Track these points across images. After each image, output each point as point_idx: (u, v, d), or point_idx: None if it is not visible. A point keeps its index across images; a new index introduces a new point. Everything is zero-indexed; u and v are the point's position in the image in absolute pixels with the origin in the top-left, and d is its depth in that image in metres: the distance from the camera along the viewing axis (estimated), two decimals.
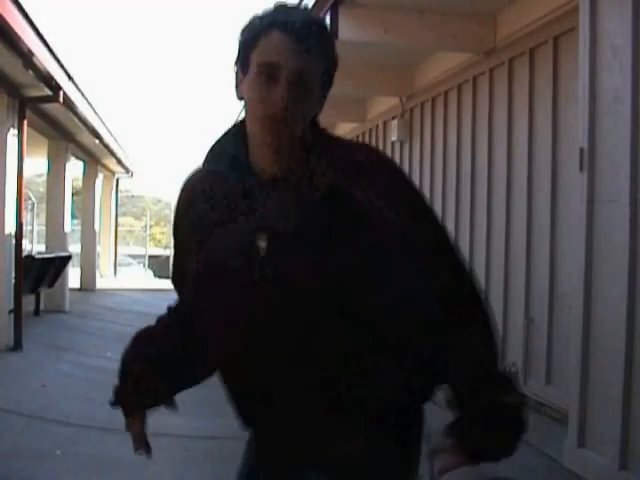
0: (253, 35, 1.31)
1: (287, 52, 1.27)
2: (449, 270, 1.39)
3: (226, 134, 1.42)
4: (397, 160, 8.70)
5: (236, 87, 1.37)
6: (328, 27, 1.37)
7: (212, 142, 1.42)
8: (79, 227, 15.28)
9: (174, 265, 1.57)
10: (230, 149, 1.37)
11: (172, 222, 1.53)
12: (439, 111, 7.48)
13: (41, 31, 6.18)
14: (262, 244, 1.28)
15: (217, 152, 1.40)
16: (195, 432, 4.89)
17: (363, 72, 7.92)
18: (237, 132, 1.39)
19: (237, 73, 1.37)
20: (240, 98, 1.36)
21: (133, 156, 16.42)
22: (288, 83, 1.27)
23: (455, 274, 1.39)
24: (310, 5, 6.02)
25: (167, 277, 26.94)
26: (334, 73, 1.39)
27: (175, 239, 1.52)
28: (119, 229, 20.95)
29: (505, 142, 6.00)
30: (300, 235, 1.28)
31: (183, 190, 1.47)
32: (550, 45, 5.30)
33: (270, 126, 1.28)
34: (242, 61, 1.34)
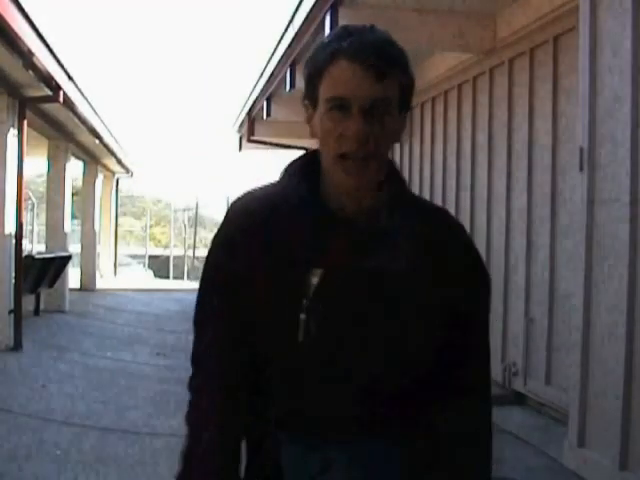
0: (318, 66, 1.20)
1: (357, 82, 1.15)
2: (485, 362, 1.34)
3: (297, 164, 1.31)
4: (397, 160, 8.71)
5: (308, 122, 1.27)
6: (398, 45, 1.23)
7: (285, 167, 1.31)
8: (79, 227, 15.28)
9: (211, 302, 1.35)
10: (301, 182, 1.26)
11: (220, 246, 1.32)
12: (439, 111, 7.48)
13: (41, 31, 6.18)
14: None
15: (286, 183, 1.28)
16: None
17: None
18: (309, 163, 1.28)
19: (307, 107, 1.27)
20: (313, 136, 1.25)
21: (133, 156, 16.42)
22: (362, 116, 1.16)
23: (486, 368, 1.35)
24: (310, 5, 6.03)
25: (167, 277, 26.91)
26: (412, 92, 1.27)
27: (222, 269, 1.31)
28: (119, 229, 20.94)
29: (505, 142, 6.00)
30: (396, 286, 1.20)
31: (240, 215, 1.30)
32: (550, 45, 5.30)
33: (347, 165, 1.18)
34: (310, 95, 1.24)
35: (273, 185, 1.31)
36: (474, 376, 1.31)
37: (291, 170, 1.29)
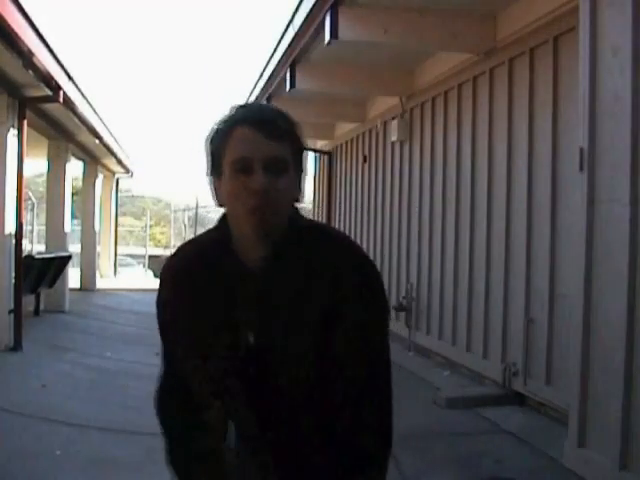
0: (220, 140, 1.36)
1: (255, 142, 1.32)
2: (384, 391, 1.46)
3: (210, 231, 1.50)
4: (397, 160, 8.71)
5: (215, 196, 1.42)
6: (284, 112, 1.40)
7: (197, 235, 1.57)
8: (79, 227, 15.27)
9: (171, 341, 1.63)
10: (214, 242, 1.45)
11: (158, 302, 1.56)
12: (439, 111, 7.48)
13: (41, 31, 6.18)
14: (250, 339, 1.40)
15: (202, 242, 1.51)
16: None
17: (363, 72, 7.92)
18: (219, 227, 1.45)
19: (213, 182, 1.41)
20: (220, 205, 1.41)
21: (133, 156, 16.43)
22: (263, 169, 1.32)
23: (386, 401, 1.46)
24: (310, 5, 6.03)
25: None
26: (303, 156, 1.43)
27: (165, 316, 1.57)
28: (119, 229, 20.94)
29: (505, 142, 6.00)
30: (286, 328, 1.39)
31: (170, 269, 1.53)
32: (550, 45, 5.30)
33: (253, 216, 1.33)
34: (215, 169, 1.39)
35: (203, 235, 1.54)
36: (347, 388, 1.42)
37: (215, 228, 1.48)
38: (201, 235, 1.55)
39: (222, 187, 1.38)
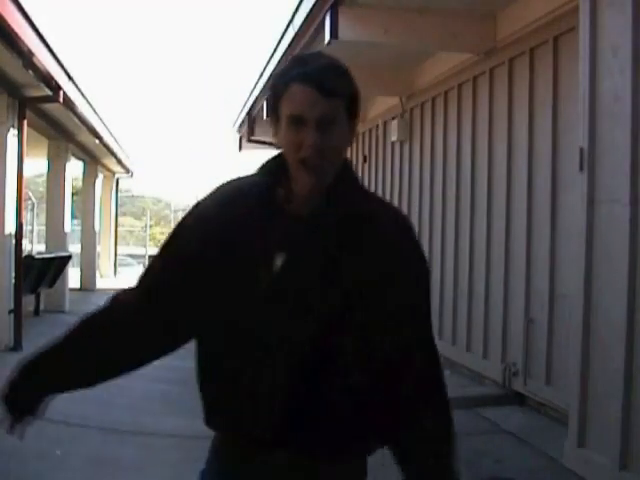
0: (278, 92, 1.45)
1: (308, 101, 1.41)
2: (431, 344, 1.54)
3: (266, 165, 1.54)
4: (397, 160, 8.71)
5: (274, 137, 1.50)
6: (340, 65, 1.47)
7: (262, 164, 1.55)
8: (79, 227, 15.28)
9: (157, 266, 1.60)
10: (263, 182, 1.50)
11: (181, 226, 1.56)
12: (439, 111, 7.48)
13: (41, 31, 6.18)
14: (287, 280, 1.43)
15: (255, 178, 1.52)
16: (195, 432, 4.87)
17: (363, 72, 7.91)
18: (279, 163, 1.50)
19: (272, 124, 1.50)
20: (278, 146, 1.49)
21: (133, 156, 16.42)
22: (316, 125, 1.40)
23: (434, 351, 1.54)
24: (310, 5, 6.03)
25: None
26: (357, 106, 1.50)
27: (177, 245, 1.55)
28: (119, 229, 20.94)
29: (505, 142, 6.00)
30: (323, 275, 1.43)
31: (209, 204, 1.54)
32: (550, 45, 5.30)
33: (304, 166, 1.42)
34: (273, 113, 1.48)
35: (247, 177, 1.55)
36: (429, 381, 1.51)
37: (263, 168, 1.53)
38: (242, 177, 1.57)
39: (279, 132, 1.47)
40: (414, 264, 1.51)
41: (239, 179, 1.57)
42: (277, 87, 1.46)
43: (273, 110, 1.47)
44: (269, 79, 8.82)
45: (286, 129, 1.44)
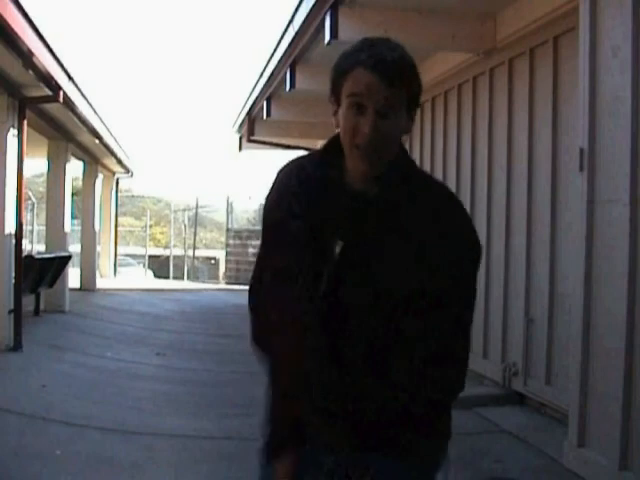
0: (342, 71, 1.47)
1: (371, 87, 1.42)
2: (466, 326, 1.57)
3: (327, 145, 1.57)
4: None
5: (333, 115, 1.52)
6: (409, 58, 1.49)
7: (325, 143, 1.59)
8: (79, 227, 15.26)
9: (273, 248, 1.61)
10: (329, 162, 1.54)
11: (274, 202, 1.60)
12: (439, 111, 7.48)
13: (41, 31, 6.18)
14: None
15: (324, 152, 1.57)
16: (195, 432, 4.89)
17: None
18: (329, 150, 1.55)
19: (332, 103, 1.52)
20: (337, 126, 1.51)
21: (133, 156, 16.41)
22: (375, 112, 1.42)
23: (467, 333, 1.58)
24: (310, 5, 6.03)
25: (167, 277, 26.83)
26: (419, 94, 1.51)
27: (279, 221, 1.58)
28: (119, 229, 20.93)
29: (505, 142, 6.00)
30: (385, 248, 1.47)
31: (301, 173, 1.58)
32: (550, 45, 5.30)
33: (359, 151, 1.45)
34: (335, 94, 1.50)
35: (313, 155, 1.61)
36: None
37: (327, 147, 1.57)
38: (309, 155, 1.63)
39: (339, 113, 1.48)
40: (464, 238, 1.52)
41: (301, 157, 1.63)
42: (342, 67, 1.47)
43: (334, 90, 1.49)
44: (269, 79, 8.82)
45: (345, 112, 1.46)
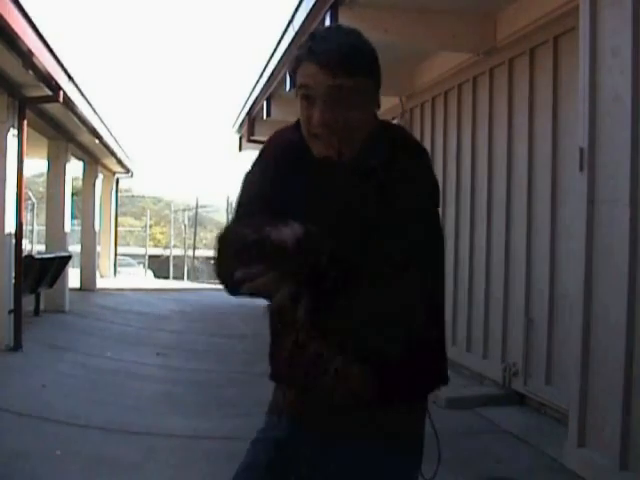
0: (294, 65, 1.52)
1: (318, 78, 1.46)
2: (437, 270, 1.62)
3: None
4: None
5: (296, 95, 1.56)
6: (353, 42, 1.50)
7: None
8: (79, 227, 15.26)
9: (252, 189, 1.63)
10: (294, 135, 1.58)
11: (265, 153, 1.65)
12: (439, 111, 7.48)
13: (41, 31, 6.18)
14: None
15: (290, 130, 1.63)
16: (195, 432, 4.89)
17: None
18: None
19: (295, 93, 1.56)
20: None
21: (133, 156, 16.41)
22: (324, 103, 1.46)
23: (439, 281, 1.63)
24: (310, 5, 6.03)
25: (167, 277, 26.81)
26: (377, 79, 1.54)
27: (263, 168, 1.63)
28: (119, 229, 20.94)
29: (505, 142, 6.00)
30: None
31: (278, 139, 1.66)
32: (550, 45, 5.30)
33: (315, 139, 1.50)
34: (293, 87, 1.56)
35: (292, 125, 1.64)
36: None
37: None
38: (288, 128, 1.66)
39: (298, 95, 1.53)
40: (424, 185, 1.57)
41: (285, 128, 1.67)
42: (294, 61, 1.53)
43: (294, 81, 1.54)
44: (269, 79, 8.82)
45: (300, 103, 1.51)
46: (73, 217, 13.96)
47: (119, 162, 14.99)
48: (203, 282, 23.73)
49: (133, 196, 39.95)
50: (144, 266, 27.42)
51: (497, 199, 6.17)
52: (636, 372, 3.62)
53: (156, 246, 35.74)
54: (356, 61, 1.48)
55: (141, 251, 29.76)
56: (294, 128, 1.62)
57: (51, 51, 6.67)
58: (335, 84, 1.45)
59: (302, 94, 1.50)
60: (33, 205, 20.12)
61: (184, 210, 34.03)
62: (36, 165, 15.38)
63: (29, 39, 5.94)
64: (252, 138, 11.85)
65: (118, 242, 19.69)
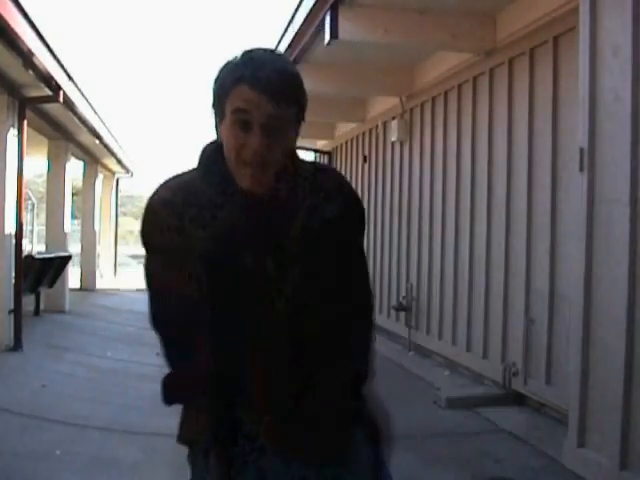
0: (226, 87, 1.43)
1: (255, 103, 1.39)
2: (367, 288, 1.64)
3: (207, 151, 1.53)
4: (397, 160, 8.71)
5: (215, 132, 1.50)
6: (292, 71, 1.46)
7: (198, 152, 1.54)
8: (79, 227, 15.27)
9: (154, 270, 1.63)
10: (214, 166, 1.49)
11: (149, 225, 1.53)
12: (439, 111, 7.48)
13: (41, 31, 6.18)
14: (269, 265, 1.45)
15: (203, 165, 1.52)
16: None
17: (363, 72, 7.92)
18: (217, 151, 1.50)
19: (215, 118, 1.49)
20: (221, 139, 1.48)
21: (133, 156, 16.42)
22: (261, 129, 1.40)
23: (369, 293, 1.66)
24: (310, 5, 6.03)
25: None
26: (304, 108, 1.49)
27: (155, 243, 1.56)
28: (119, 229, 20.93)
29: (505, 142, 6.00)
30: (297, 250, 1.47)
31: (164, 195, 1.51)
32: (550, 45, 5.30)
33: (246, 167, 1.43)
34: (218, 109, 1.47)
35: (189, 172, 1.54)
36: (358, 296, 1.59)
37: (204, 159, 1.52)
38: (183, 173, 1.55)
39: (223, 129, 1.46)
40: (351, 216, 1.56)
41: (178, 177, 1.54)
42: (225, 83, 1.43)
43: (218, 104, 1.46)
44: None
45: (230, 127, 1.43)
46: (73, 217, 13.96)
47: (119, 162, 15.00)
48: None
49: (133, 196, 39.94)
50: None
51: (497, 199, 6.17)
52: (636, 372, 3.62)
53: None
54: (294, 91, 1.45)
55: (141, 251, 29.72)
56: (199, 174, 1.51)
57: (51, 51, 6.68)
58: (276, 113, 1.40)
59: (237, 118, 1.41)
60: (33, 205, 20.09)
61: None
62: (36, 165, 15.36)
63: (29, 39, 5.94)
64: None
65: (118, 242, 19.68)
